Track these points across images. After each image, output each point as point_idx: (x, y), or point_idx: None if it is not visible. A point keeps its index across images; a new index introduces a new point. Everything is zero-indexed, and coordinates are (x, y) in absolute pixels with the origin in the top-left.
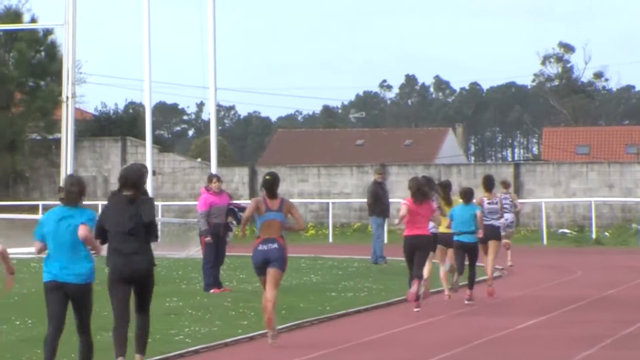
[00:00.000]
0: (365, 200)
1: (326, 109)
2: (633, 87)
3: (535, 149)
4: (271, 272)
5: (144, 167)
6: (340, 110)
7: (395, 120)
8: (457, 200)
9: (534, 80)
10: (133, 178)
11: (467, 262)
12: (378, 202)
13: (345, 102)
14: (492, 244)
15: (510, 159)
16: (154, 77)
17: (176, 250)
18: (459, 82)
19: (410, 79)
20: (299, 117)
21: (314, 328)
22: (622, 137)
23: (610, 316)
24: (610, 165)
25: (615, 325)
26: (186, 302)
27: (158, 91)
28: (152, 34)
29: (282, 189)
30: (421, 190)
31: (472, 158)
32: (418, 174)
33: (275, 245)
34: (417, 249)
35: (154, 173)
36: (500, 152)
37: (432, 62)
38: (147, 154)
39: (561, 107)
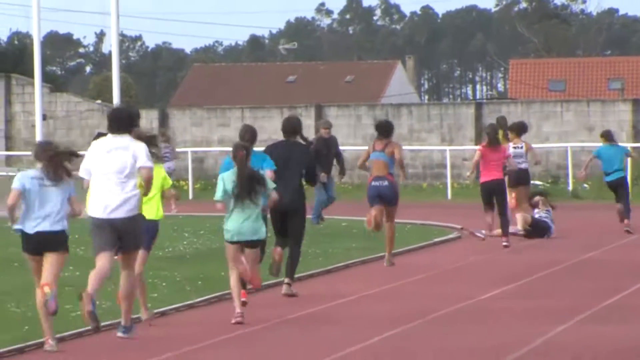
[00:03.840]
0: None
1: (252, 39)
2: (616, 10)
3: (500, 85)
4: (388, 209)
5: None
6: (268, 41)
7: (334, 52)
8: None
9: (498, 4)
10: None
11: None
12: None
13: (274, 31)
14: (521, 188)
15: (471, 98)
16: (44, 1)
17: None
18: (409, 5)
19: (353, 2)
20: (219, 49)
21: None
22: (603, 70)
23: (590, 284)
24: (589, 103)
25: (595, 295)
26: (84, 272)
27: (49, 19)
28: None
29: (198, 134)
30: (495, 136)
31: (426, 97)
32: (361, 115)
33: (385, 183)
34: (495, 194)
35: (44, 117)
36: (459, 89)
37: None
38: (36, 95)
39: (531, 35)
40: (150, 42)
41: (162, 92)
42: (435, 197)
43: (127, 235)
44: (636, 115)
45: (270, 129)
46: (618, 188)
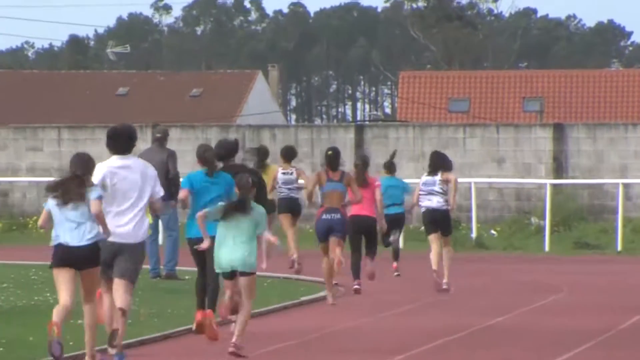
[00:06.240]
0: None
1: (72, 40)
2: (534, 10)
3: (387, 104)
4: (334, 240)
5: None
6: (93, 43)
7: (177, 58)
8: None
9: (386, 1)
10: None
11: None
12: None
13: (101, 31)
14: (288, 217)
15: (350, 119)
16: None
17: None
18: (273, 2)
19: None
20: (30, 53)
21: None
22: (518, 87)
23: (497, 355)
24: (499, 128)
25: None
26: None
27: None
28: None
29: (2, 160)
30: (363, 170)
31: (293, 117)
32: (211, 139)
33: (337, 216)
34: (365, 232)
35: None
36: (335, 107)
37: None
38: None
39: (427, 41)
40: None
41: None
42: (304, 243)
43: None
44: (558, 143)
45: (94, 154)
46: (396, 224)
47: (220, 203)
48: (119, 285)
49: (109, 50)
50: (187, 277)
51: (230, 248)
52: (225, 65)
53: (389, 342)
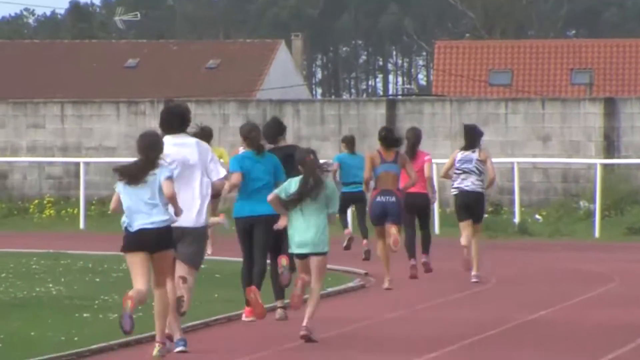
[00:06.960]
0: None
1: (75, 7)
2: None
3: (422, 77)
4: (388, 227)
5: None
6: (99, 10)
7: (192, 26)
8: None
9: None
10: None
11: None
12: None
13: None
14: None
15: (381, 93)
16: None
17: None
18: None
19: None
20: (30, 20)
21: None
22: (565, 58)
23: (540, 353)
24: (545, 103)
25: None
26: None
27: None
28: None
29: (0, 138)
30: (417, 144)
31: (319, 91)
32: (229, 115)
33: (393, 199)
34: (415, 210)
35: None
36: (365, 80)
37: None
38: None
39: (466, 6)
40: None
41: None
42: (331, 230)
43: None
44: (609, 119)
45: (101, 132)
46: (357, 202)
47: (291, 191)
48: (181, 267)
49: (117, 18)
50: (202, 266)
51: (302, 228)
52: (244, 34)
53: (426, 336)
